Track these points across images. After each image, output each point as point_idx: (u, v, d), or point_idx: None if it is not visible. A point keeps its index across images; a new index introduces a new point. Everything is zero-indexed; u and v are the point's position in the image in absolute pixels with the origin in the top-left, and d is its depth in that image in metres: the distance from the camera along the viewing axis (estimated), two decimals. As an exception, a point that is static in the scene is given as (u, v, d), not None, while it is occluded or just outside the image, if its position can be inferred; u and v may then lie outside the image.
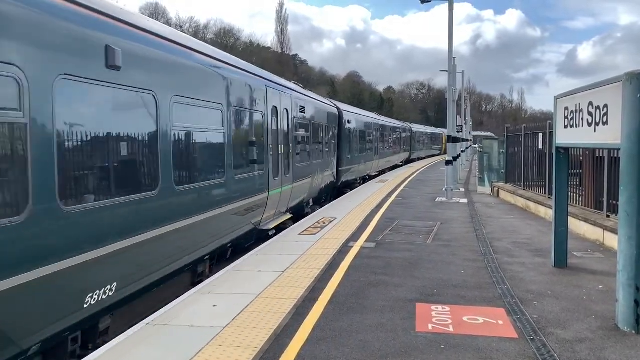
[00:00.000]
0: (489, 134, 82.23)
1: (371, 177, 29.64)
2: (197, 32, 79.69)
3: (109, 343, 5.54)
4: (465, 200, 18.75)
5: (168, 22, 73.27)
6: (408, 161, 49.46)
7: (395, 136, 40.77)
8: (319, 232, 11.83)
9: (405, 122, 56.69)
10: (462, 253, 9.81)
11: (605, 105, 6.45)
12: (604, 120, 6.49)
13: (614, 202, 10.48)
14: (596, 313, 6.45)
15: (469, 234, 11.92)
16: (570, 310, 6.55)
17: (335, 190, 21.86)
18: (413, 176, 30.90)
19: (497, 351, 5.31)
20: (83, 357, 5.38)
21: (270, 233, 12.02)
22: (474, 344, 5.49)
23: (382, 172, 33.85)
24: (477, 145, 49.96)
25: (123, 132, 6.23)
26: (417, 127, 59.81)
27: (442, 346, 5.43)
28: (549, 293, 7.29)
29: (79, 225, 5.34)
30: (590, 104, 6.90)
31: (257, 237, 11.42)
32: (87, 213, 5.46)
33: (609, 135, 6.35)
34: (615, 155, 10.22)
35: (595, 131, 6.79)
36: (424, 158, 59.45)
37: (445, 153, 66.43)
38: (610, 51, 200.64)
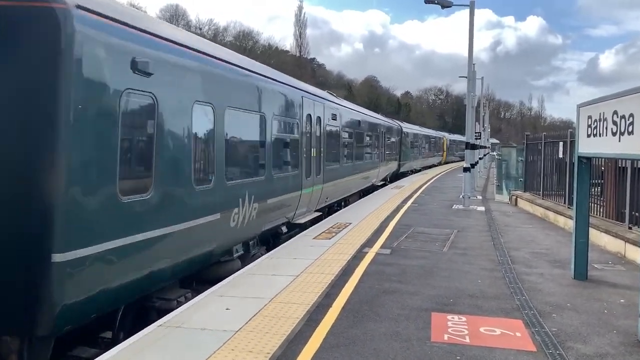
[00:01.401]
0: (494, 141, 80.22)
1: (297, 227, 12.74)
2: (217, 34, 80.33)
3: (120, 344, 5.52)
4: (482, 208, 18.52)
5: (188, 24, 74.00)
6: (395, 177, 33.31)
7: (372, 139, 24.00)
8: (333, 237, 11.75)
9: (394, 119, 38.88)
10: (479, 262, 9.66)
11: (631, 115, 6.29)
12: (630, 129, 6.33)
13: (637, 213, 10.25)
14: (617, 328, 6.28)
15: (486, 242, 11.74)
16: (590, 324, 6.38)
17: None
18: (428, 183, 30.64)
19: (514, 364, 5.17)
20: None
21: None
22: (490, 356, 5.36)
23: (335, 207, 17.64)
24: (495, 153, 49.01)
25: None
26: (410, 128, 42.00)
27: (458, 357, 5.31)
28: (568, 306, 7.12)
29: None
30: (615, 112, 6.74)
31: None
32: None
33: (635, 145, 6.19)
34: (639, 166, 10.00)
35: (619, 141, 6.63)
36: (418, 171, 43.04)
37: (446, 163, 60.78)
38: (633, 60, 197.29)
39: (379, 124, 26.82)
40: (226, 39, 78.37)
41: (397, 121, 37.75)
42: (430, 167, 50.16)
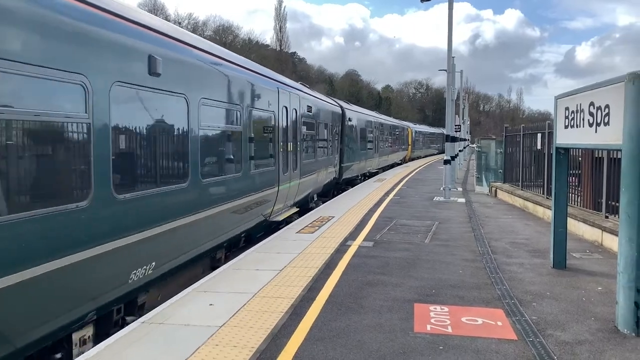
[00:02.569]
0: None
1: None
2: (196, 28, 79.50)
3: (104, 342, 5.47)
4: (463, 200, 18.72)
5: (167, 18, 73.08)
6: (336, 186, 22.06)
7: (254, 125, 10.98)
8: (316, 230, 11.77)
9: (332, 97, 26.04)
10: (460, 253, 9.77)
11: (607, 106, 6.39)
12: (605, 120, 6.44)
13: (613, 203, 10.46)
14: (596, 315, 6.41)
15: (467, 233, 11.88)
16: (569, 312, 6.51)
17: None
18: (410, 176, 30.85)
19: (496, 353, 5.26)
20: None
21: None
22: (472, 345, 5.44)
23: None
24: (475, 145, 49.17)
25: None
26: (358, 112, 27.93)
27: (441, 347, 5.37)
28: (547, 294, 7.24)
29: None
30: (592, 104, 6.85)
31: None
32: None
33: (611, 135, 6.30)
34: (615, 156, 10.19)
35: (596, 132, 6.74)
36: (374, 174, 31.35)
37: (412, 160, 51.18)
38: (609, 52, 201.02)
39: (285, 95, 13.47)
40: (206, 33, 77.64)
41: (336, 100, 24.20)
42: (391, 166, 39.63)
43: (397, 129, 44.56)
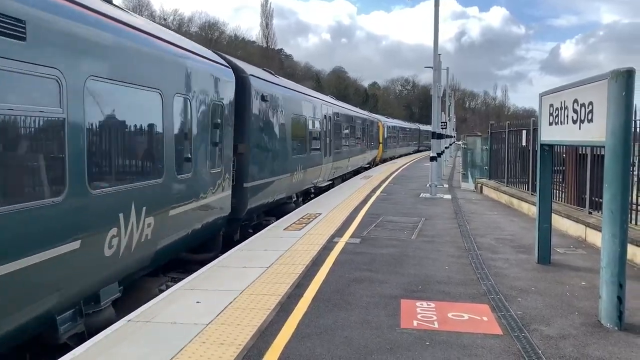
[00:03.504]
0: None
1: None
2: (182, 25, 78.96)
3: (89, 340, 5.43)
4: (449, 197, 18.84)
5: (152, 15, 72.48)
6: (232, 231, 11.66)
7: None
8: (304, 227, 11.77)
9: (216, 51, 11.69)
10: (446, 249, 9.83)
11: (591, 103, 6.47)
12: (589, 117, 6.52)
13: (596, 199, 10.60)
14: (579, 309, 6.50)
15: (453, 229, 11.96)
16: (553, 307, 6.59)
17: None
18: (397, 172, 30.94)
19: (482, 348, 5.30)
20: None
21: None
22: (458, 340, 5.48)
23: None
24: (461, 142, 49.13)
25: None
26: (284, 88, 15.28)
27: (427, 343, 5.41)
28: (532, 289, 7.32)
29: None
30: (576, 101, 6.92)
31: None
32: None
33: (594, 132, 6.38)
34: (599, 153, 10.32)
35: (580, 128, 6.82)
36: (325, 188, 20.73)
37: (383, 161, 42.69)
38: (593, 49, 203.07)
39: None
40: (191, 30, 77.16)
41: (226, 56, 11.74)
42: (355, 172, 29.61)
43: (365, 122, 33.54)
